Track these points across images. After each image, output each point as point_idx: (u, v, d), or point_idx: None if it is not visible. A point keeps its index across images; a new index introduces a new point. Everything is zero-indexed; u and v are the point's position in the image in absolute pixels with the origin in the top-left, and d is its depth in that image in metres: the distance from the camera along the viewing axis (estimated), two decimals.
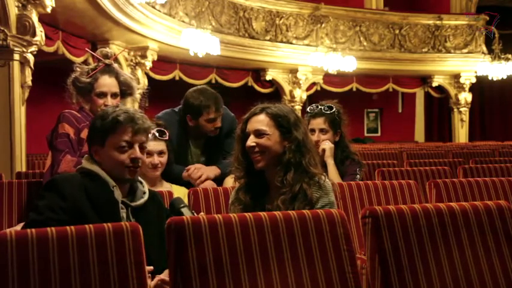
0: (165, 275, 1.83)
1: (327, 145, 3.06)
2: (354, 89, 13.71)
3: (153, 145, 2.70)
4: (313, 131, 3.08)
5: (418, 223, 1.72)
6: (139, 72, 9.42)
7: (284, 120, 2.09)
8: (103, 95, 2.65)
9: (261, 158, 2.08)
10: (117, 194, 1.98)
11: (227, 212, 2.45)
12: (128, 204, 2.00)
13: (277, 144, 2.08)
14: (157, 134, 2.72)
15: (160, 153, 2.74)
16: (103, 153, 2.01)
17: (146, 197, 2.06)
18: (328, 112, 3.12)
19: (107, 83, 2.66)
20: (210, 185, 2.89)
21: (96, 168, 2.00)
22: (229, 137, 3.09)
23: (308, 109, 3.22)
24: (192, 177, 2.94)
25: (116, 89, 2.68)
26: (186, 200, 2.70)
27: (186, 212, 2.02)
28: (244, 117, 2.16)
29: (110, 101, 2.63)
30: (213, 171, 2.99)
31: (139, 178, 2.10)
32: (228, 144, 3.10)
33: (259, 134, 2.09)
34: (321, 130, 3.10)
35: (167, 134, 2.77)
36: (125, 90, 2.73)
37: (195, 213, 2.02)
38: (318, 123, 3.10)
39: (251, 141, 2.09)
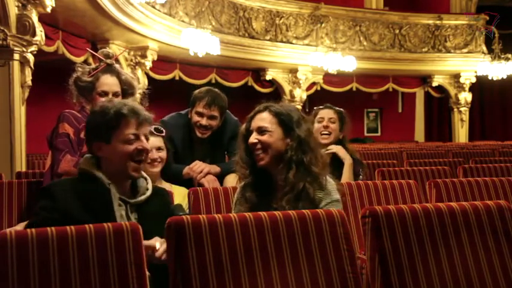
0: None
1: (335, 148, 3.15)
2: (354, 89, 13.70)
3: (151, 141, 2.69)
4: (321, 119, 3.25)
5: (418, 223, 1.73)
6: (139, 72, 9.41)
7: (287, 118, 2.11)
8: (105, 94, 2.65)
9: (264, 155, 2.09)
10: (113, 192, 1.95)
11: (227, 212, 2.45)
12: (127, 201, 1.99)
13: (279, 141, 2.09)
14: (153, 131, 2.71)
15: (158, 149, 2.74)
16: (109, 149, 1.97)
17: (149, 193, 2.05)
18: (337, 109, 3.33)
19: (109, 82, 2.67)
20: (211, 179, 2.92)
21: (92, 169, 1.98)
22: (235, 140, 3.11)
23: (315, 108, 3.41)
24: (194, 170, 2.96)
25: (117, 88, 2.68)
26: (186, 200, 2.70)
27: None
28: (248, 115, 2.18)
29: None
30: (214, 168, 3.02)
31: (144, 174, 2.09)
32: (233, 147, 3.12)
33: (261, 131, 2.11)
34: (330, 119, 3.25)
35: (164, 131, 2.77)
36: (126, 90, 2.73)
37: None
38: (328, 112, 3.28)
39: (253, 137, 2.11)
